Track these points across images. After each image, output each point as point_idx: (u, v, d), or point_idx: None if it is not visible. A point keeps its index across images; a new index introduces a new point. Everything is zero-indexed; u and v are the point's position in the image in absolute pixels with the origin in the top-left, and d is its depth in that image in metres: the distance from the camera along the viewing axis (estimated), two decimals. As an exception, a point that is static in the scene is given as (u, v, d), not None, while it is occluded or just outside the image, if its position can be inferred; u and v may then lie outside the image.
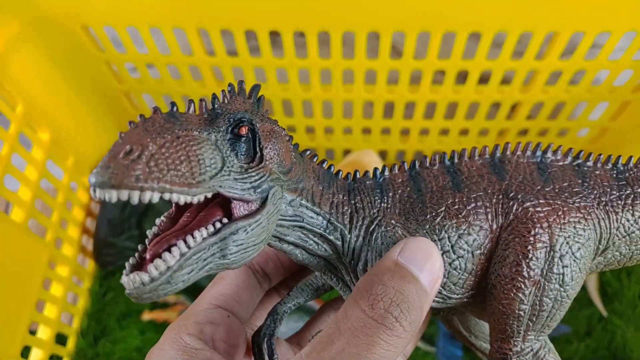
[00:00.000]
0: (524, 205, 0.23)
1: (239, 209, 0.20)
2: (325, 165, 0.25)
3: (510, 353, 0.22)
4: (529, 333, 0.22)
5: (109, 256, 0.64)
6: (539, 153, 0.24)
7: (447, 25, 0.48)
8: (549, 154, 0.24)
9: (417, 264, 0.20)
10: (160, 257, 0.18)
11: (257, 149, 0.20)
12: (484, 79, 0.55)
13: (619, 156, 0.25)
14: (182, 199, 0.18)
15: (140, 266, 0.19)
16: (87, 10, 0.49)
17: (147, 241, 0.20)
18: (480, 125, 0.62)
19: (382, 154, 0.69)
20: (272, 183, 0.21)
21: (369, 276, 0.21)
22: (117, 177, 0.17)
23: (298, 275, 0.30)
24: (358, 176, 0.25)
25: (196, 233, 0.19)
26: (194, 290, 0.66)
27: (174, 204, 0.20)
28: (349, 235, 0.23)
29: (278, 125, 0.23)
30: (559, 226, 0.22)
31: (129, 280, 0.18)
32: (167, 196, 0.18)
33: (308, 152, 0.25)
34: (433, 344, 0.60)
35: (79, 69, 0.57)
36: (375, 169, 0.25)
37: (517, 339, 0.22)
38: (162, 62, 0.55)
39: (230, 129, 0.20)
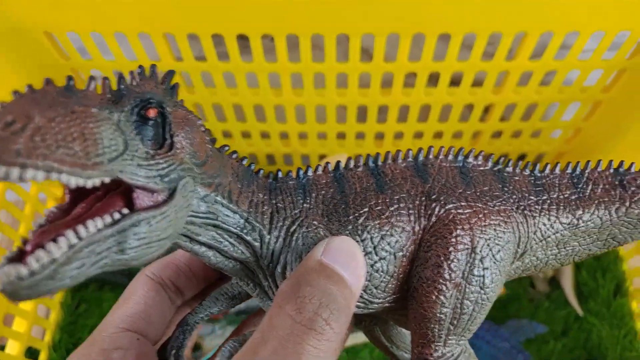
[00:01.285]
0: (446, 207, 0.22)
1: (142, 199, 0.18)
2: (245, 163, 0.23)
3: (431, 358, 0.22)
4: (450, 337, 0.22)
5: (80, 267, 0.62)
6: (460, 157, 0.24)
7: (416, 26, 0.47)
8: (471, 159, 0.24)
9: (341, 263, 0.20)
10: (43, 248, 0.15)
11: (167, 135, 0.19)
12: (455, 82, 0.55)
13: (537, 163, 0.25)
14: (74, 181, 0.16)
15: (20, 258, 0.16)
16: (49, 16, 0.48)
17: (30, 233, 0.17)
18: (453, 127, 0.61)
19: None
20: (182, 173, 0.19)
21: (293, 278, 0.20)
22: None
23: (213, 286, 0.28)
24: (280, 175, 0.24)
25: (89, 223, 0.16)
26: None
27: (67, 195, 0.18)
28: (268, 236, 0.22)
29: (194, 115, 0.21)
30: (480, 228, 0.22)
31: (3, 273, 0.15)
32: (54, 176, 0.15)
33: (227, 148, 0.23)
34: (411, 348, 0.60)
35: (44, 76, 0.55)
36: (299, 169, 0.24)
37: (438, 343, 0.22)
38: (129, 69, 0.54)
39: (136, 110, 0.18)
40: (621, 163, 0.26)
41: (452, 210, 0.22)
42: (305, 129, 0.62)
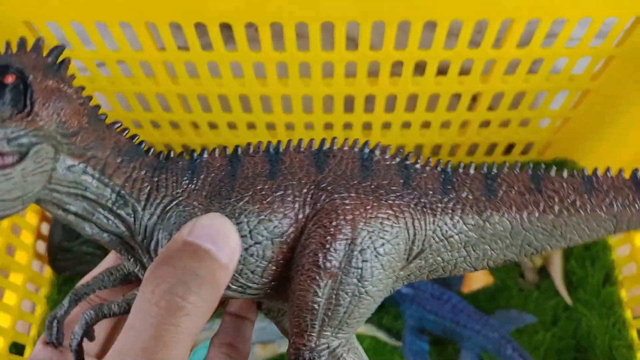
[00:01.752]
0: (332, 197, 0.22)
1: None
2: (135, 141, 0.23)
3: (304, 348, 0.21)
4: (324, 329, 0.21)
5: (65, 261, 0.62)
6: (366, 150, 0.24)
7: (402, 13, 0.47)
8: (377, 153, 0.24)
9: (208, 237, 0.19)
10: None
11: (27, 102, 0.19)
12: (443, 71, 0.55)
13: (449, 161, 0.25)
14: None
15: None
16: (28, 5, 0.47)
17: None
18: (441, 117, 0.61)
19: (347, 149, 0.68)
20: (37, 140, 0.19)
21: (155, 261, 0.19)
22: None
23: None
24: (172, 155, 0.24)
25: None
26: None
27: None
28: (142, 212, 0.22)
29: (73, 88, 0.21)
30: (364, 220, 0.22)
31: None
32: None
33: (118, 125, 0.23)
34: (400, 339, 0.60)
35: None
36: (193, 150, 0.24)
37: (312, 334, 0.21)
38: (112, 59, 0.53)
39: None
40: (540, 166, 0.25)
41: (337, 200, 0.22)
42: (292, 120, 0.62)
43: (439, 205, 0.23)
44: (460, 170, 0.24)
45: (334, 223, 0.21)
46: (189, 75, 0.56)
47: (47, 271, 0.65)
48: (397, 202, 0.23)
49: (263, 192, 0.22)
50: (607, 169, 0.24)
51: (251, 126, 0.64)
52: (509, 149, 0.70)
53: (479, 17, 0.47)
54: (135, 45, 0.52)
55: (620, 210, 0.23)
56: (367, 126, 0.63)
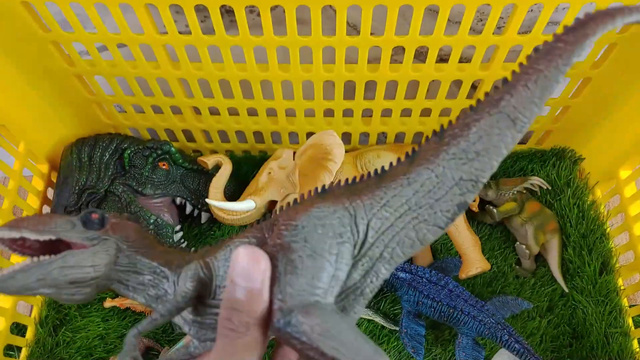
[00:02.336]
0: (282, 211, 0.29)
1: (75, 246, 0.28)
2: (178, 246, 0.34)
3: (279, 313, 0.24)
4: (290, 290, 0.25)
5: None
6: (324, 187, 0.29)
7: (403, -1, 0.46)
8: (334, 185, 0.29)
9: (241, 272, 0.24)
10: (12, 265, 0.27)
11: (104, 224, 0.29)
12: (443, 59, 0.55)
13: (383, 167, 0.28)
14: (33, 236, 0.26)
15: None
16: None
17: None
18: (441, 105, 0.61)
19: (347, 137, 0.68)
20: (105, 237, 0.28)
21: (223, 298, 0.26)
22: (3, 226, 0.27)
23: None
24: (193, 249, 0.32)
25: (41, 256, 0.26)
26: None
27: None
28: (171, 275, 0.29)
29: (137, 225, 0.31)
30: (305, 210, 0.27)
31: None
32: (24, 234, 0.26)
33: (168, 242, 0.32)
34: (397, 323, 0.60)
35: (24, 50, 0.54)
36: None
37: (279, 299, 0.25)
38: (112, 41, 0.53)
39: (84, 217, 0.28)
40: (441, 126, 0.28)
41: (289, 210, 0.28)
42: (292, 106, 0.62)
43: (374, 186, 0.27)
44: (392, 164, 0.28)
45: (282, 218, 0.27)
46: (191, 59, 0.56)
47: (49, 254, 0.65)
48: (335, 198, 0.27)
49: (246, 234, 0.29)
50: (486, 92, 0.26)
51: (252, 112, 0.64)
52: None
53: (481, 2, 0.47)
54: (136, 29, 0.52)
55: (501, 104, 0.25)
56: (368, 112, 0.63)
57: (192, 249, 0.32)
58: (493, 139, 0.25)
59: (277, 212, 0.29)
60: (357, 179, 0.29)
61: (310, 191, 0.29)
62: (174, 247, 0.31)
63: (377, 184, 0.28)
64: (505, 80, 0.26)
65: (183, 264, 0.29)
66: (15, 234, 0.26)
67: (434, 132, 0.27)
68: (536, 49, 0.26)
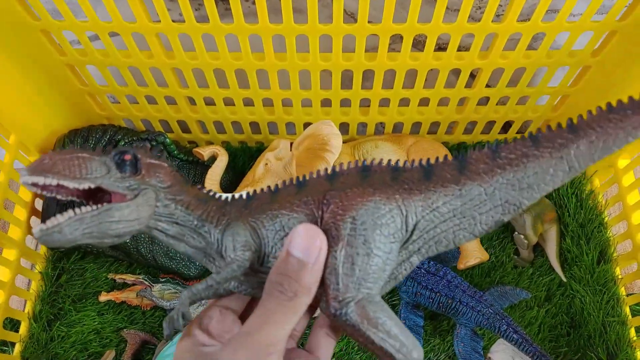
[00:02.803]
0: (339, 193, 0.29)
1: (116, 198, 0.28)
2: (210, 193, 0.32)
3: (334, 301, 0.27)
4: (347, 284, 0.27)
5: (60, 237, 0.61)
6: (365, 164, 0.30)
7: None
8: (373, 164, 0.30)
9: (299, 246, 0.27)
10: (54, 216, 0.26)
11: (138, 169, 0.28)
12: (442, 48, 0.54)
13: (428, 158, 0.30)
14: (71, 185, 0.26)
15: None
16: (47, 18, 0.46)
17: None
18: (439, 94, 0.60)
19: (344, 127, 0.67)
20: (145, 186, 0.28)
21: (273, 267, 0.28)
22: (32, 169, 0.25)
23: None
24: (230, 198, 0.32)
25: (82, 207, 0.26)
26: (153, 271, 0.64)
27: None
28: (214, 230, 0.30)
29: (166, 162, 0.30)
30: (362, 203, 0.28)
31: (37, 229, 0.25)
32: (61, 181, 0.26)
33: (199, 187, 0.32)
34: (396, 314, 0.60)
35: (13, 40, 0.53)
36: (247, 192, 0.31)
37: (337, 289, 0.27)
38: (104, 30, 0.52)
39: (116, 156, 0.28)
40: (496, 141, 0.30)
41: (342, 194, 0.29)
42: (289, 96, 0.61)
43: (422, 186, 0.29)
44: (439, 161, 0.30)
45: (340, 208, 0.28)
46: (185, 48, 0.54)
47: (42, 248, 0.64)
48: (387, 189, 0.29)
49: (292, 201, 0.30)
50: (547, 126, 0.28)
51: (248, 102, 0.63)
52: (506, 127, 0.70)
53: (480, -10, 0.46)
54: (128, 17, 0.51)
55: (564, 151, 0.27)
56: (366, 102, 0.63)
57: (225, 196, 0.32)
58: (546, 177, 0.28)
59: (325, 192, 0.30)
60: (401, 164, 0.30)
61: (351, 165, 0.30)
62: (207, 194, 0.31)
63: (426, 183, 0.29)
64: (571, 124, 0.27)
65: (223, 218, 0.30)
66: (52, 181, 0.25)
67: (488, 144, 0.29)
68: (610, 107, 0.27)
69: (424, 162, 0.30)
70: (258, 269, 0.30)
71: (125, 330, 0.61)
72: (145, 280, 0.63)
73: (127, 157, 0.28)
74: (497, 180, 0.28)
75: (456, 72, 0.58)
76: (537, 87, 0.61)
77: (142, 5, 0.49)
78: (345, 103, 0.63)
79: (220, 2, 0.57)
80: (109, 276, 0.63)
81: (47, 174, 0.25)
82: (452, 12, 0.58)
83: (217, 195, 0.32)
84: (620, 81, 0.58)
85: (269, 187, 0.32)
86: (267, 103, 0.63)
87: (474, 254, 0.62)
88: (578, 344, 0.60)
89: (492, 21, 0.50)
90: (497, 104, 0.64)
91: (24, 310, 0.60)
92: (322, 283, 0.28)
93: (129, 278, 0.63)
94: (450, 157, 0.29)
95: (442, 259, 0.61)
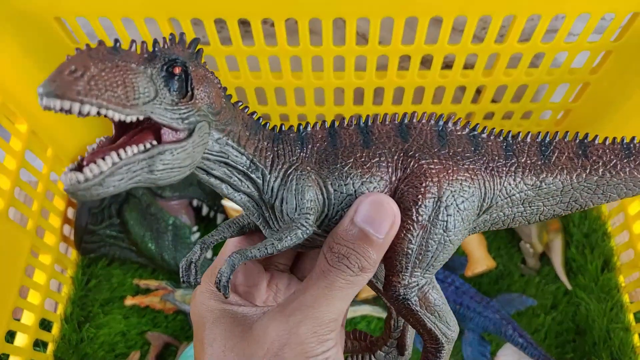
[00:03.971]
0: (420, 162, 0.26)
1: (167, 135, 0.23)
2: (255, 117, 0.28)
3: (399, 285, 0.26)
4: (415, 270, 0.26)
5: (91, 244, 0.65)
6: (441, 122, 0.28)
7: (409, 10, 0.49)
8: (450, 124, 0.28)
9: (368, 219, 0.25)
10: (95, 163, 0.21)
11: (189, 87, 0.23)
12: (448, 65, 0.58)
13: (509, 131, 0.28)
14: (117, 116, 0.21)
15: (79, 169, 0.21)
16: (60, 2, 0.51)
17: (86, 152, 0.22)
18: (447, 109, 0.64)
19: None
20: (199, 118, 0.24)
21: (332, 233, 0.26)
22: (60, 89, 0.19)
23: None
24: (284, 129, 0.28)
25: (128, 148, 0.22)
26: (175, 276, 0.68)
27: (114, 129, 0.23)
28: (269, 176, 0.26)
29: (213, 74, 0.26)
30: (447, 181, 0.26)
31: (67, 177, 0.20)
32: (103, 112, 0.20)
33: (240, 104, 0.28)
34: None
35: (54, 60, 0.58)
36: (299, 124, 0.28)
37: (405, 273, 0.26)
38: (136, 53, 0.56)
39: (165, 67, 0.22)
40: (586, 135, 0.29)
41: (424, 165, 0.26)
42: (304, 111, 0.65)
43: (504, 168, 0.27)
44: (519, 138, 0.28)
45: (423, 184, 0.26)
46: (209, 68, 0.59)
47: (73, 253, 0.69)
48: (471, 166, 0.27)
49: (362, 159, 0.26)
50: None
51: (265, 117, 0.67)
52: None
53: (482, 13, 0.50)
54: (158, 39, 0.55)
55: None
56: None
57: (275, 129, 0.28)
58: (624, 190, 0.28)
59: (399, 152, 0.26)
60: (479, 130, 0.28)
61: (423, 118, 0.27)
62: (254, 120, 0.27)
63: (507, 164, 0.27)
64: None
65: (278, 161, 0.26)
66: (91, 109, 0.20)
67: (576, 135, 0.28)
68: None
69: (503, 135, 0.28)
70: (314, 229, 0.26)
71: (149, 332, 0.64)
72: (168, 285, 0.66)
73: (177, 69, 0.22)
74: (580, 181, 0.27)
75: (462, 88, 0.62)
76: (540, 103, 0.64)
77: (172, 28, 0.54)
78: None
79: (240, 24, 0.62)
80: (134, 282, 0.67)
81: (84, 97, 0.19)
82: (458, 32, 0.62)
83: (264, 123, 0.28)
84: (619, 96, 0.61)
85: (322, 124, 0.28)
86: (284, 118, 0.67)
87: (481, 262, 0.64)
88: (583, 350, 0.62)
89: (494, 41, 0.54)
90: (502, 119, 0.67)
91: (55, 312, 0.64)
92: (385, 258, 0.26)
93: (153, 283, 0.67)
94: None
95: (450, 267, 0.63)
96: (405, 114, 0.28)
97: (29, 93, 0.58)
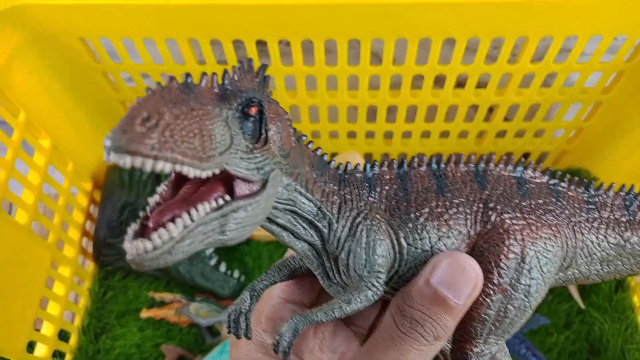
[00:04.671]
0: (502, 217, 0.24)
1: (241, 188, 0.20)
2: (319, 153, 0.25)
3: (471, 353, 0.24)
4: (490, 336, 0.24)
5: (108, 257, 0.67)
6: (519, 169, 0.26)
7: (423, 32, 0.51)
8: (529, 171, 0.26)
9: (447, 283, 0.22)
10: (164, 227, 0.18)
11: (263, 130, 0.21)
12: (461, 84, 0.58)
13: (592, 181, 0.27)
14: (192, 173, 0.18)
15: (142, 233, 0.19)
16: (84, 23, 0.53)
17: (148, 208, 0.20)
18: (459, 127, 0.64)
19: (368, 157, 0.72)
20: (274, 166, 0.21)
21: (403, 292, 0.23)
22: (133, 144, 0.17)
23: None
24: (349, 168, 0.26)
25: (200, 207, 0.19)
26: (189, 290, 0.69)
27: (173, 173, 0.20)
28: (336, 225, 0.24)
29: (281, 108, 0.23)
30: (531, 240, 0.24)
31: (133, 246, 0.18)
32: (178, 168, 0.18)
33: (304, 138, 0.25)
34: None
35: (77, 79, 0.60)
36: (366, 163, 0.26)
37: (479, 340, 0.24)
38: (156, 71, 0.58)
39: (240, 107, 0.20)
40: None
41: (507, 220, 0.24)
42: (317, 128, 0.66)
43: (586, 224, 0.25)
44: (601, 190, 0.27)
45: (506, 243, 0.23)
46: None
47: (90, 265, 0.70)
48: (554, 222, 0.25)
49: (439, 210, 0.24)
50: None
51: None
52: (524, 158, 0.74)
53: (495, 35, 0.51)
54: (178, 59, 0.57)
55: None
56: (389, 135, 0.67)
57: (340, 168, 0.25)
58: None
59: (478, 202, 0.24)
60: (558, 178, 0.26)
61: (500, 164, 0.25)
62: (320, 158, 0.25)
63: (590, 218, 0.25)
64: None
65: (345, 207, 0.24)
66: (167, 166, 0.17)
67: None
68: None
69: (583, 186, 0.26)
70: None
71: (164, 345, 0.65)
72: (183, 298, 0.67)
73: (253, 109, 0.20)
74: None
75: (475, 107, 0.62)
76: (552, 121, 0.64)
77: (191, 48, 0.55)
78: (370, 134, 0.68)
79: (258, 44, 0.63)
80: (149, 294, 0.68)
81: (158, 152, 0.17)
82: (471, 51, 0.63)
83: (328, 160, 0.25)
84: (632, 115, 0.61)
85: (390, 163, 0.25)
86: (298, 135, 0.68)
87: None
88: (597, 370, 0.62)
89: (507, 61, 0.55)
90: (514, 136, 0.68)
91: (72, 323, 0.66)
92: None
93: (168, 296, 0.68)
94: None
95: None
96: (481, 157, 0.25)
97: (51, 110, 0.60)
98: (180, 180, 0.21)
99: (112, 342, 0.65)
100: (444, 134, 0.67)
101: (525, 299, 0.23)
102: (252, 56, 0.55)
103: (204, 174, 0.19)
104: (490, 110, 0.64)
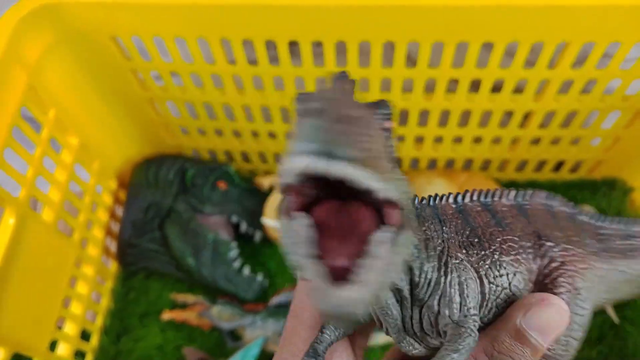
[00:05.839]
0: (554, 250, 0.24)
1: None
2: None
3: None
4: None
5: (132, 257, 0.66)
6: (554, 203, 0.26)
7: (461, 35, 0.49)
8: (556, 202, 0.26)
9: (538, 328, 0.21)
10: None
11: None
12: (497, 88, 0.57)
13: (606, 218, 0.28)
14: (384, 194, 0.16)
15: (338, 278, 0.15)
16: (116, 22, 0.52)
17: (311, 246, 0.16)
18: (493, 133, 0.63)
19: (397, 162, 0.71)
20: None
21: (489, 337, 0.22)
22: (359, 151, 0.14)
23: None
24: (417, 200, 0.24)
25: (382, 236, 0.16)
26: (212, 292, 0.68)
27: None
28: (426, 265, 0.21)
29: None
30: (582, 272, 0.24)
31: (329, 298, 0.14)
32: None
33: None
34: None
35: (106, 77, 0.59)
36: (423, 197, 0.24)
37: None
38: (186, 71, 0.57)
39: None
40: None
41: (558, 252, 0.24)
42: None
43: (603, 253, 0.27)
44: (607, 222, 0.28)
45: (564, 276, 0.23)
46: (255, 87, 0.60)
47: (113, 265, 0.70)
48: (590, 251, 0.26)
49: (507, 244, 0.23)
50: None
51: (307, 136, 0.67)
52: (558, 166, 0.71)
53: (534, 40, 0.49)
54: (208, 59, 0.56)
55: None
56: (419, 139, 0.66)
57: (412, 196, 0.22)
58: None
59: (532, 234, 0.24)
60: (579, 209, 0.27)
61: (535, 200, 0.25)
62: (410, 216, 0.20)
63: (623, 256, 0.27)
64: None
65: (430, 244, 0.22)
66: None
67: None
68: None
69: (594, 218, 0.28)
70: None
71: (185, 347, 0.64)
72: (205, 301, 0.67)
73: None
74: None
75: (510, 112, 0.61)
76: (589, 129, 0.62)
77: (222, 48, 0.55)
78: (400, 138, 0.66)
79: (290, 45, 0.62)
80: (171, 296, 0.68)
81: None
82: (508, 55, 0.61)
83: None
84: (674, 125, 0.59)
85: (447, 197, 0.23)
86: (326, 138, 0.67)
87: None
88: (632, 387, 0.60)
89: (546, 66, 0.53)
90: (549, 144, 0.66)
91: (94, 322, 0.65)
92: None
93: (190, 299, 0.67)
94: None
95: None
96: (519, 193, 0.25)
97: (80, 107, 0.60)
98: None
99: (134, 343, 0.65)
100: (477, 140, 0.65)
101: (580, 329, 0.24)
102: (283, 57, 0.54)
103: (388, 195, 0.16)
104: (526, 116, 0.62)
